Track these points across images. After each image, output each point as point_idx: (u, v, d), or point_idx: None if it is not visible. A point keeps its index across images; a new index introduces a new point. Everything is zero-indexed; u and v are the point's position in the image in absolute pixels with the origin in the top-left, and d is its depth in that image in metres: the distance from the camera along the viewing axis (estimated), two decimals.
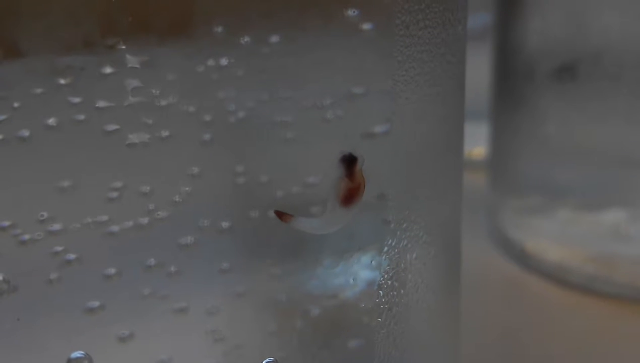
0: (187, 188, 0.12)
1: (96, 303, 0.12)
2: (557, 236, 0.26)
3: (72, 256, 0.12)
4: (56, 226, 0.12)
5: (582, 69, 0.24)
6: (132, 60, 0.11)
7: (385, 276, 0.14)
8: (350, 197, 0.12)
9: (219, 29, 0.12)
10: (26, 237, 0.12)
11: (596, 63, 0.24)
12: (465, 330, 0.17)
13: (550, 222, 0.26)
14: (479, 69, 0.26)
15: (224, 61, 0.12)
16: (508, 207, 0.28)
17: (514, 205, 0.27)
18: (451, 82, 0.14)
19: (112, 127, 0.12)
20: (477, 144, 0.32)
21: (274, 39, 0.12)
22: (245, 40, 0.12)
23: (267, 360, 0.13)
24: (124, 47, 0.11)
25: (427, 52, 0.14)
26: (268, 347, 0.13)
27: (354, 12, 0.12)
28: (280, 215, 0.12)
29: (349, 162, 0.12)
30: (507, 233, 0.27)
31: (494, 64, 0.28)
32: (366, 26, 0.13)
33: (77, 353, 0.12)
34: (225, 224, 0.13)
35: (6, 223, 0.12)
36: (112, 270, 0.12)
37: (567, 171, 0.26)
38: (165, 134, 0.12)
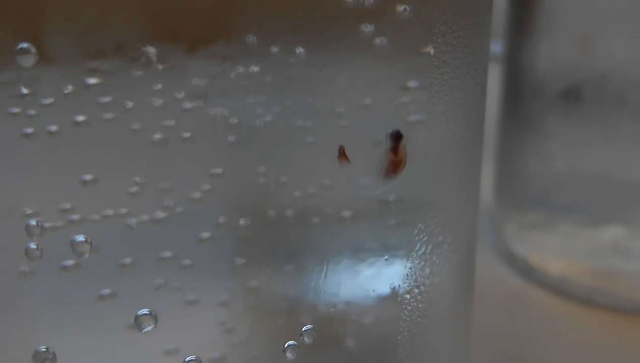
0: (207, 186, 0.12)
1: (108, 291, 0.12)
2: (559, 250, 0.25)
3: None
4: (76, 216, 0.11)
5: (588, 91, 0.24)
6: (161, 65, 0.11)
7: (407, 284, 0.14)
8: (393, 169, 0.13)
9: (249, 39, 0.11)
10: (48, 224, 0.11)
11: (601, 86, 0.24)
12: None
13: (552, 237, 0.26)
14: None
15: (253, 68, 0.12)
16: (512, 222, 0.27)
17: (518, 220, 0.27)
18: (475, 98, 0.14)
19: (137, 126, 0.11)
20: None
21: (300, 50, 0.12)
22: (274, 50, 0.12)
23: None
24: (153, 52, 0.11)
25: (456, 74, 0.13)
26: (276, 340, 0.13)
27: (381, 40, 0.12)
28: (342, 152, 0.12)
29: (396, 137, 0.13)
30: (511, 247, 0.27)
31: (502, 85, 0.28)
32: (390, 49, 0.12)
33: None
34: (242, 222, 0.12)
35: (30, 211, 0.11)
36: (127, 260, 0.12)
37: (570, 189, 0.25)
38: (189, 135, 0.12)
